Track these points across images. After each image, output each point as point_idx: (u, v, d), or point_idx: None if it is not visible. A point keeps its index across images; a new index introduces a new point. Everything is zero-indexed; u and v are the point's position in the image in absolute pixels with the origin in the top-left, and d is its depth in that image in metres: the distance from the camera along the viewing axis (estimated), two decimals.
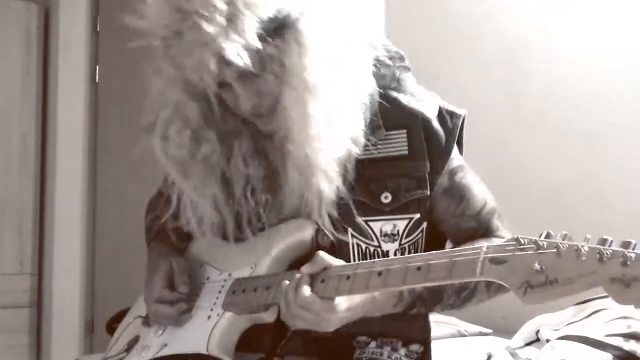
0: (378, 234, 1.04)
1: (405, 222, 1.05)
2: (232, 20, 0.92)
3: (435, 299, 1.03)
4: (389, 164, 1.05)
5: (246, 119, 1.04)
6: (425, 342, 1.13)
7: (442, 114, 1.10)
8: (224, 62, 0.93)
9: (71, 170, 3.09)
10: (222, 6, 0.92)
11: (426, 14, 2.30)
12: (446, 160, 1.07)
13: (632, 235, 1.93)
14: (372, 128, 1.05)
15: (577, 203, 1.92)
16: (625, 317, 1.23)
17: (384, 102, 1.05)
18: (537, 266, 0.75)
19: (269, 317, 1.03)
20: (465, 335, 1.80)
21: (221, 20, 0.91)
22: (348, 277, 0.93)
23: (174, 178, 1.12)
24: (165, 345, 1.11)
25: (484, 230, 1.08)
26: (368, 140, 1.04)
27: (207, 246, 1.21)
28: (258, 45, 0.92)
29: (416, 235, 1.07)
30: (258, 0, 0.93)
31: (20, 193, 3.05)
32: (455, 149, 1.10)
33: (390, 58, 1.10)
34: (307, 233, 1.05)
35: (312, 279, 0.96)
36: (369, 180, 1.04)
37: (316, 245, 1.04)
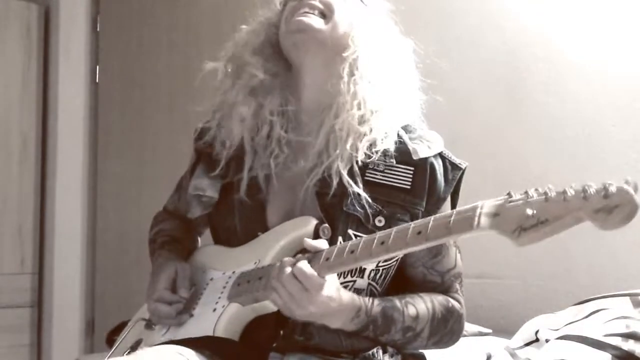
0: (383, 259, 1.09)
1: None
2: None
3: (384, 328, 1.08)
4: (391, 192, 1.12)
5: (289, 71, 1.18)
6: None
7: (445, 163, 1.17)
8: None
9: (72, 170, 3.10)
10: None
11: (425, 13, 2.30)
12: (439, 207, 1.14)
13: (633, 234, 1.94)
14: (385, 155, 1.13)
15: None
16: (624, 317, 1.23)
17: (402, 139, 1.15)
18: (528, 212, 0.81)
19: (273, 305, 1.05)
20: (464, 335, 1.80)
21: None
22: (352, 251, 0.98)
23: (225, 89, 1.21)
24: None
25: (444, 288, 1.16)
26: (379, 164, 1.13)
27: (210, 253, 1.24)
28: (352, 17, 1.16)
29: (391, 262, 1.14)
30: None
31: (21, 193, 3.05)
32: (448, 201, 1.17)
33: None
34: (309, 227, 1.09)
35: (312, 260, 1.01)
36: (366, 199, 1.10)
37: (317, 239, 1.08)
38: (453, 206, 1.18)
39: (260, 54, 1.19)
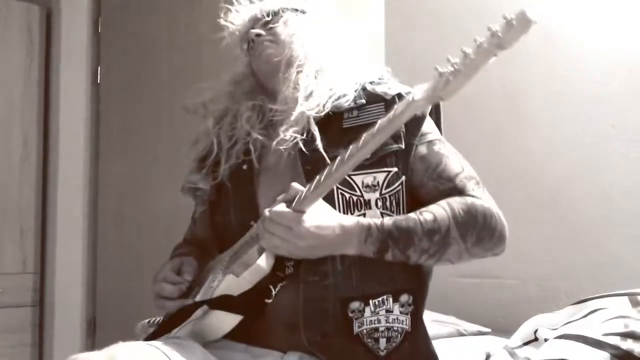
0: (360, 186, 1.15)
1: (384, 174, 1.16)
2: None
3: (406, 239, 1.10)
4: (369, 127, 1.15)
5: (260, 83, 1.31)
6: (413, 290, 1.18)
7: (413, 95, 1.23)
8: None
9: (73, 170, 3.10)
10: None
11: (425, 14, 2.30)
12: (420, 125, 1.21)
13: (633, 234, 1.94)
14: (357, 104, 1.22)
15: (577, 202, 1.93)
16: (622, 317, 1.24)
17: (368, 89, 1.24)
18: (449, 68, 0.93)
19: (265, 265, 1.09)
20: (464, 335, 1.81)
21: None
22: (318, 180, 1.05)
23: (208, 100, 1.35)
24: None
25: (460, 190, 1.16)
26: (352, 111, 1.21)
27: (216, 258, 1.28)
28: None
29: (396, 187, 1.16)
30: None
31: (23, 193, 3.06)
32: (432, 124, 1.24)
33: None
34: (296, 186, 1.12)
35: (289, 202, 1.07)
36: (351, 141, 1.12)
37: None
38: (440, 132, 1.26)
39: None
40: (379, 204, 1.15)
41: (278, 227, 1.05)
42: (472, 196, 1.14)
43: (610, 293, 1.38)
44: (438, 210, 1.12)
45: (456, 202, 1.13)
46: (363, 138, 1.02)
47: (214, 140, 1.29)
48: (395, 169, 1.16)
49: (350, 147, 1.03)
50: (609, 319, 1.25)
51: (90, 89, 3.13)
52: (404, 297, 1.16)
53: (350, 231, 1.09)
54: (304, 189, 1.07)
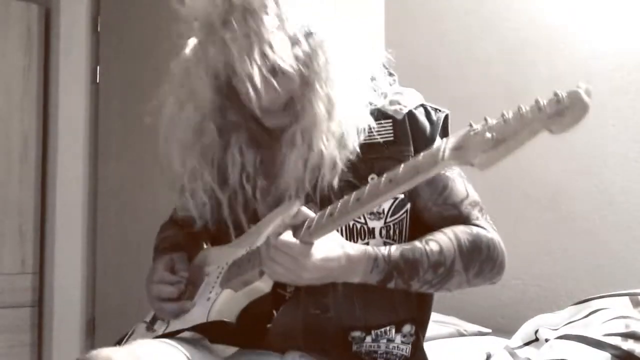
0: (365, 213, 1.10)
1: (390, 202, 1.12)
2: (280, 19, 1.05)
3: (411, 270, 1.07)
4: (376, 148, 1.13)
5: (251, 114, 1.13)
6: (415, 320, 1.16)
7: (426, 109, 1.18)
8: (265, 55, 1.04)
9: (72, 170, 3.10)
10: (272, 4, 1.05)
11: (426, 13, 2.30)
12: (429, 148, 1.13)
13: (633, 234, 1.94)
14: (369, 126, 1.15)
15: (578, 202, 1.93)
16: (623, 317, 1.24)
17: (375, 104, 1.16)
18: (487, 135, 0.84)
19: (265, 285, 1.07)
20: (464, 335, 1.81)
21: (269, 18, 1.04)
22: (331, 214, 0.99)
23: (173, 162, 1.20)
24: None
25: (464, 219, 1.13)
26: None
27: (208, 252, 1.26)
28: (299, 48, 1.07)
29: (401, 215, 1.13)
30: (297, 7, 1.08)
31: (22, 193, 3.05)
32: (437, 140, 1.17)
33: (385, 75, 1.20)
34: (294, 209, 1.09)
35: (295, 229, 1.02)
36: (357, 164, 1.11)
37: None
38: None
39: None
40: (383, 232, 1.12)
41: (284, 257, 1.00)
42: (477, 225, 1.12)
43: (611, 293, 1.38)
44: (444, 241, 1.09)
45: (462, 232, 1.10)
46: (383, 183, 0.95)
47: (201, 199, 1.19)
48: (402, 196, 1.12)
49: (369, 186, 0.97)
50: (609, 319, 1.25)
51: (90, 88, 3.13)
52: (407, 328, 1.15)
53: (356, 261, 1.05)
54: (314, 218, 1.02)
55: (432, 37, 2.24)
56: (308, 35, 1.08)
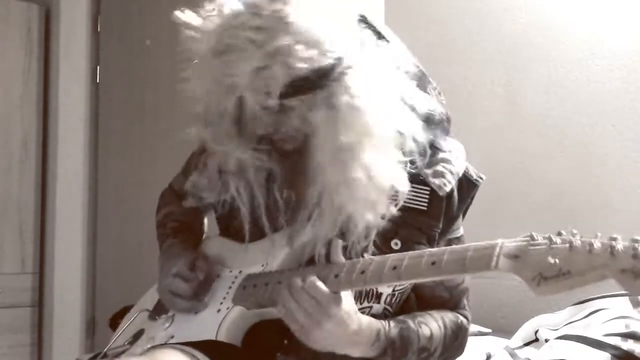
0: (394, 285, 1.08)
1: None
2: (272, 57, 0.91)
3: (402, 350, 1.05)
4: (407, 214, 1.06)
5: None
6: None
7: (462, 181, 1.11)
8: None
9: (72, 170, 3.10)
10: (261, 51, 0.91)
11: (426, 13, 2.30)
12: (452, 224, 1.12)
13: (633, 234, 1.93)
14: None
15: (578, 203, 1.93)
16: (623, 317, 1.24)
17: (417, 167, 1.06)
18: (550, 260, 0.78)
19: (278, 311, 1.02)
20: None
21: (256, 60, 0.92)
22: (362, 272, 0.94)
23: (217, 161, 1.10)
24: (172, 337, 1.12)
25: (453, 304, 1.14)
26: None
27: (219, 247, 1.22)
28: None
29: (407, 285, 1.11)
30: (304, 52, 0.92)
31: (22, 193, 3.05)
32: (460, 218, 1.14)
33: (429, 120, 1.08)
34: (338, 247, 1.03)
35: (321, 274, 0.97)
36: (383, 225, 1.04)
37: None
38: (463, 216, 1.15)
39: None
40: (388, 299, 1.10)
41: (309, 300, 0.94)
42: (463, 315, 1.14)
43: (611, 293, 1.38)
44: (435, 329, 1.08)
45: (450, 321, 1.11)
46: (424, 263, 0.89)
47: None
48: None
49: (408, 260, 0.91)
50: (609, 320, 1.25)
51: (90, 88, 3.13)
52: None
53: (366, 330, 1.01)
54: (342, 266, 0.97)
55: (432, 37, 2.24)
56: (325, 76, 0.94)
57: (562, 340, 1.26)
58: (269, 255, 1.10)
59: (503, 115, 2.08)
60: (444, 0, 2.25)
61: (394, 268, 0.92)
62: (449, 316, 1.13)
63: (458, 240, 1.14)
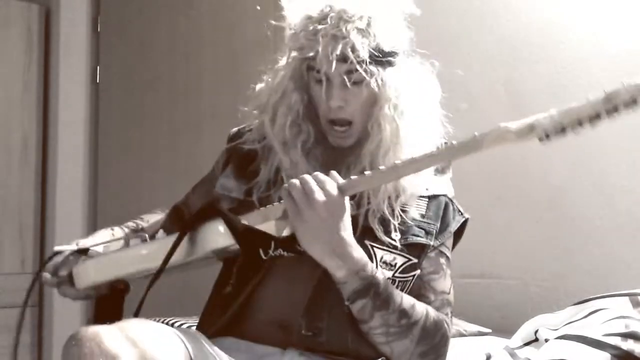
0: (379, 260, 1.13)
1: (404, 259, 1.15)
2: (369, 24, 1.12)
3: (385, 299, 1.07)
4: (407, 214, 1.18)
5: (319, 129, 1.19)
6: None
7: (453, 206, 1.24)
8: (345, 56, 1.09)
9: (72, 170, 3.10)
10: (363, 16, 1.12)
11: (425, 13, 2.30)
12: (445, 240, 1.20)
13: (633, 234, 1.93)
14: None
15: (578, 202, 1.93)
16: (623, 317, 1.23)
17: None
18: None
19: (276, 230, 1.07)
20: (464, 335, 1.80)
21: (359, 22, 1.11)
22: (377, 168, 1.06)
23: (278, 151, 1.20)
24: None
25: (435, 307, 1.16)
26: None
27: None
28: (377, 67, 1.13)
29: (408, 276, 1.16)
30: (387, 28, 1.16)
31: (22, 193, 3.05)
32: (451, 241, 1.23)
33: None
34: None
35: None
36: (386, 218, 1.15)
37: None
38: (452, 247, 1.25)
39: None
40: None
41: (315, 185, 1.02)
42: (445, 320, 1.16)
43: (611, 293, 1.37)
44: (419, 305, 1.12)
45: (433, 312, 1.14)
46: (438, 148, 1.05)
47: (268, 163, 1.21)
48: (415, 260, 1.16)
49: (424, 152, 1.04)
50: (609, 320, 1.25)
51: (90, 88, 3.13)
52: None
53: (355, 248, 1.06)
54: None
55: (432, 37, 2.24)
56: (388, 58, 1.16)
57: (562, 340, 1.25)
58: None
59: (503, 115, 2.08)
60: (444, 0, 2.25)
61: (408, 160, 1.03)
62: (432, 309, 1.15)
63: (447, 258, 1.21)
